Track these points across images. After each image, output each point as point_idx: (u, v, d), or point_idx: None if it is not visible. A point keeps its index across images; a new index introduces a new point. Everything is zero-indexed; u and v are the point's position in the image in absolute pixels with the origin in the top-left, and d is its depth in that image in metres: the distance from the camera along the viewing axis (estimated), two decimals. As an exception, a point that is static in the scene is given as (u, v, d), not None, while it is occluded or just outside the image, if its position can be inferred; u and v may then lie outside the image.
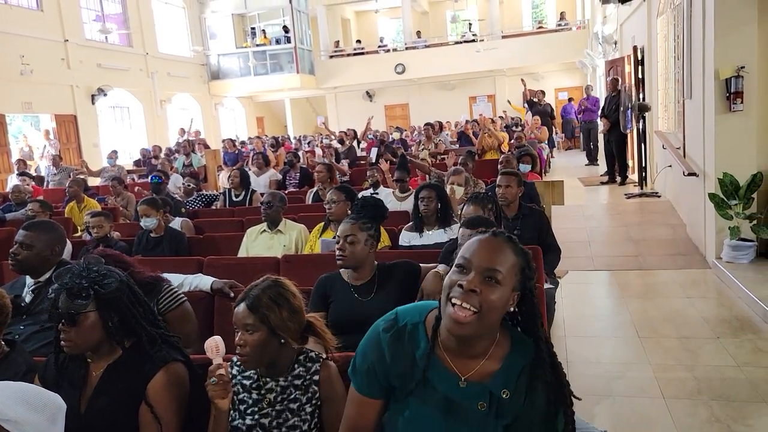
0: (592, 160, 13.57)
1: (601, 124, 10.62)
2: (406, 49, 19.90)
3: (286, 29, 19.27)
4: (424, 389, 1.43)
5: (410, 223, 3.98)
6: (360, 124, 14.90)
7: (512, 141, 9.27)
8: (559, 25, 19.14)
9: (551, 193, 5.70)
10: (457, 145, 11.43)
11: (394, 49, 20.46)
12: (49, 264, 2.85)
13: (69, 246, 4.18)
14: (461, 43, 19.85)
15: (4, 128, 12.21)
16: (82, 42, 14.18)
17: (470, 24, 21.27)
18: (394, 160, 7.54)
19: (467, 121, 13.53)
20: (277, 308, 1.81)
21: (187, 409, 1.88)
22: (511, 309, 1.41)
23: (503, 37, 19.26)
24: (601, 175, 10.91)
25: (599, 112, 11.03)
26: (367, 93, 21.66)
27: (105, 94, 14.55)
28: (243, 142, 14.88)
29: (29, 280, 2.88)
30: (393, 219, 4.24)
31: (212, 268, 3.67)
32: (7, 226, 5.66)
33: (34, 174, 9.87)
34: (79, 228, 5.87)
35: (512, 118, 15.33)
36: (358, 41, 21.68)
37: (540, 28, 20.23)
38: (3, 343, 2.11)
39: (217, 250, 4.50)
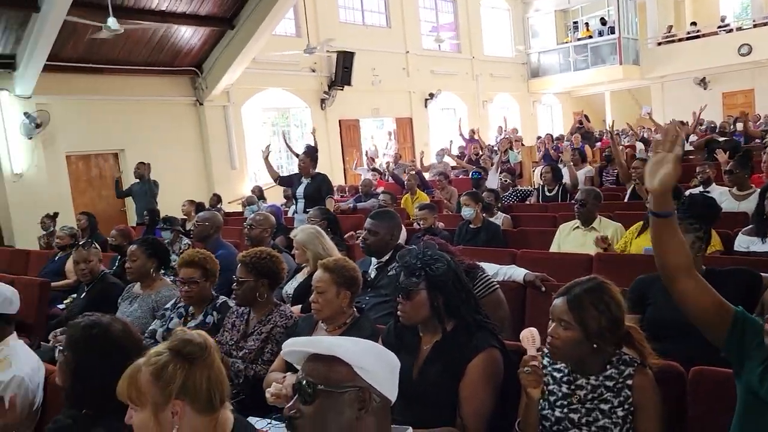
0: None
1: None
2: (754, 26, 17.04)
3: (603, 21, 18.46)
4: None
5: (750, 226, 3.48)
6: (688, 114, 13.36)
7: None
8: None
9: None
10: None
11: (739, 29, 17.71)
12: (389, 247, 3.32)
13: (404, 232, 4.78)
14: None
15: (358, 131, 14.53)
16: (420, 52, 15.96)
17: None
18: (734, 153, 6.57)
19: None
20: (596, 313, 1.77)
21: (500, 391, 2.00)
22: None
23: None
24: None
25: None
26: (702, 80, 19.18)
27: (436, 98, 16.09)
28: (558, 138, 14.74)
29: (374, 260, 3.38)
30: (727, 220, 3.78)
31: (524, 260, 3.80)
32: (357, 214, 6.76)
33: (381, 170, 11.51)
34: (411, 217, 6.63)
35: None
36: (693, 23, 19.35)
37: None
38: (355, 309, 2.57)
39: (530, 244, 4.63)
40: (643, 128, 15.00)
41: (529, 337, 1.83)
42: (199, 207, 7.63)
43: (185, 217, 7.49)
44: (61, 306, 4.59)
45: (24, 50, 8.42)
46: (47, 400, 2.35)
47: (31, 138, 8.98)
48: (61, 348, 1.91)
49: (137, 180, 8.56)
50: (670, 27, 19.38)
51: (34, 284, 4.41)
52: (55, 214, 7.63)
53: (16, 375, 2.25)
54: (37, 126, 8.88)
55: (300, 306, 3.33)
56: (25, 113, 8.82)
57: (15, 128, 8.88)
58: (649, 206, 1.60)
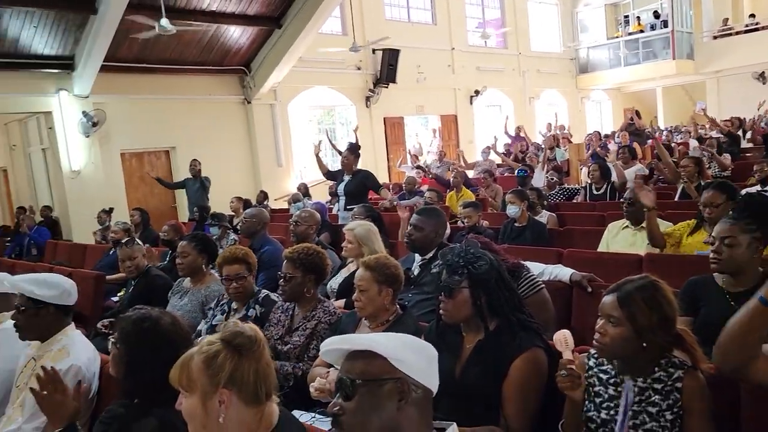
0: None
1: None
2: (819, 17, 16.25)
3: (656, 14, 17.91)
4: None
5: (813, 228, 3.31)
6: (746, 111, 12.88)
7: None
8: None
9: None
10: None
11: (802, 20, 16.93)
12: (433, 244, 3.33)
13: (448, 230, 4.76)
14: None
15: (402, 128, 14.54)
16: (465, 48, 15.85)
17: None
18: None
19: None
20: (648, 311, 1.74)
21: (545, 392, 1.98)
22: None
23: None
24: None
25: None
26: (761, 74, 18.34)
27: (481, 95, 15.95)
28: (607, 136, 14.37)
29: (417, 257, 3.39)
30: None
31: (571, 260, 3.73)
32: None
33: (425, 168, 11.48)
34: (457, 214, 6.60)
35: None
36: (752, 15, 18.56)
37: None
38: (398, 306, 2.58)
39: (577, 243, 4.54)
40: (697, 125, 14.49)
41: (562, 339, 1.82)
42: (246, 204, 7.80)
43: (233, 213, 7.66)
44: (114, 298, 4.77)
45: (82, 51, 8.79)
46: (102, 389, 2.44)
47: (88, 136, 9.36)
48: (114, 341, 1.98)
49: (191, 176, 8.82)
50: (726, 20, 18.66)
51: (90, 277, 4.58)
52: (111, 210, 7.93)
53: (74, 364, 2.34)
54: (94, 125, 9.24)
55: (343, 300, 3.37)
56: (83, 112, 9.20)
57: (74, 127, 9.28)
58: (763, 292, 1.47)
